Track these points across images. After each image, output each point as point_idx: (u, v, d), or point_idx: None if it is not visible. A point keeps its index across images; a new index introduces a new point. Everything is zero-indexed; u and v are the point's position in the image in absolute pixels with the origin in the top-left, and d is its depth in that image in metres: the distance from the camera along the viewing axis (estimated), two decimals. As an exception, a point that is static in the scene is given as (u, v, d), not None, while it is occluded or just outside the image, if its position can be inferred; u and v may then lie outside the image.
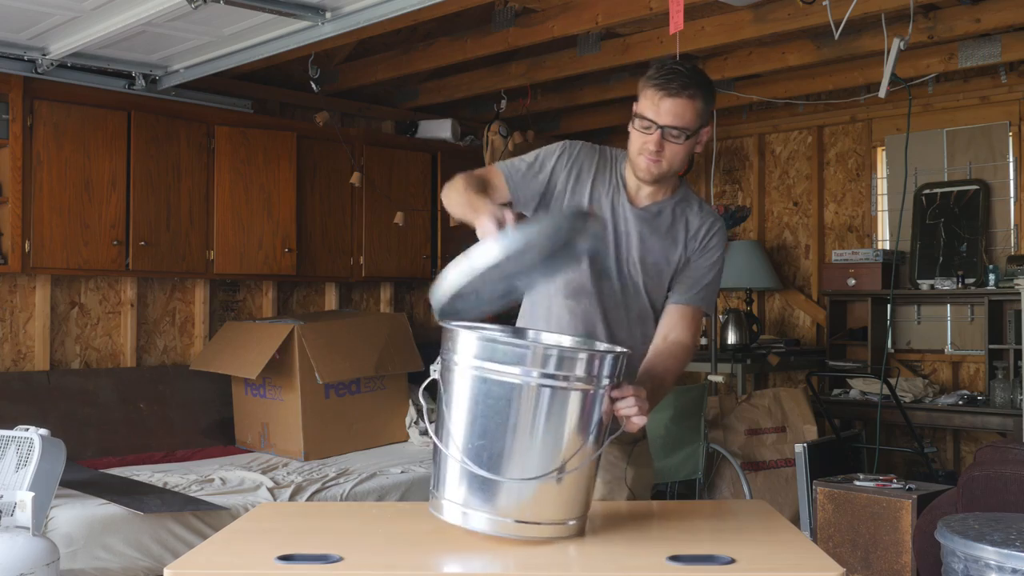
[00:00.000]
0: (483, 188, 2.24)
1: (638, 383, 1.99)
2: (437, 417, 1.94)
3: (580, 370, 1.84)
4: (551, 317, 2.35)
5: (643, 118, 2.20)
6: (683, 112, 2.17)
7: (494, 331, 2.05)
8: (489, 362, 1.83)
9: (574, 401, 1.84)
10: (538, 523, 1.85)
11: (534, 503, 1.84)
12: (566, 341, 2.13)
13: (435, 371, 1.96)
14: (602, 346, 2.15)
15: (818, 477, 4.37)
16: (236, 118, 5.33)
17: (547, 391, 1.82)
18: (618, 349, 1.94)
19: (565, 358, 1.83)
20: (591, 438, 1.88)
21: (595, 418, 1.87)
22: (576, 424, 1.85)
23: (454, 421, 1.87)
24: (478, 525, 1.84)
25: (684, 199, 2.35)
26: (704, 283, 2.33)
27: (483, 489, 1.83)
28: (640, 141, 2.22)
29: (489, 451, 1.83)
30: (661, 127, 2.17)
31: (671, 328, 2.30)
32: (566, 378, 1.82)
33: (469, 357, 1.85)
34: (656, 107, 2.17)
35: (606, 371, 1.87)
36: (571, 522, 1.89)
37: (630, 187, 2.32)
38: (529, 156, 2.36)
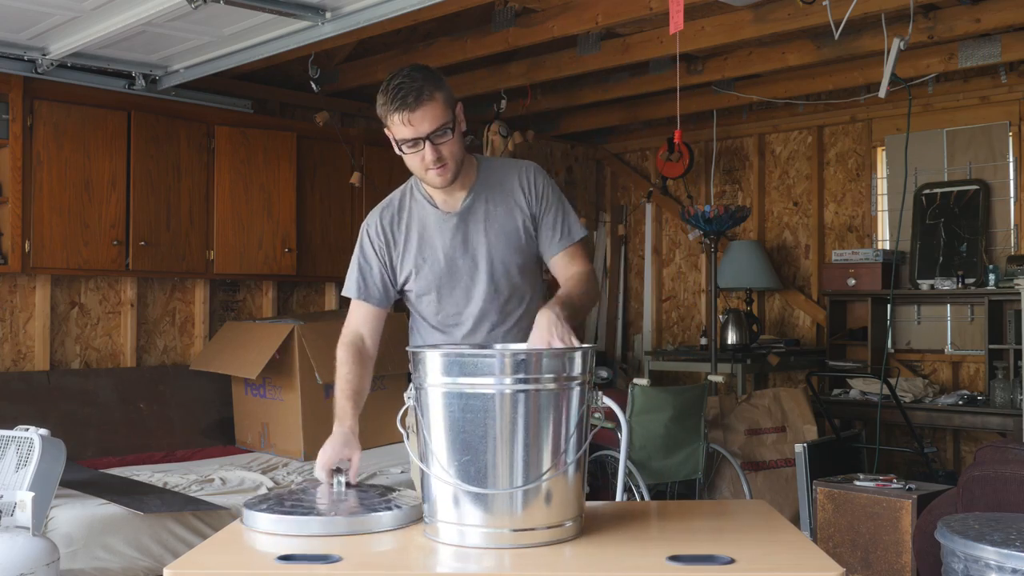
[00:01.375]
0: (349, 396, 2.51)
1: (551, 305, 2.13)
2: (419, 442, 1.95)
3: (552, 370, 1.86)
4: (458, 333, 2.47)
5: (406, 140, 2.26)
6: (433, 113, 2.23)
7: (460, 347, 2.10)
8: (461, 377, 1.85)
9: (551, 402, 1.85)
10: (534, 529, 1.85)
11: (528, 510, 1.84)
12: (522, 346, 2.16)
13: (409, 398, 1.98)
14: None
15: (818, 477, 4.37)
16: (236, 118, 5.33)
17: (522, 396, 1.83)
18: (585, 345, 1.96)
19: (535, 361, 1.85)
20: (574, 437, 1.88)
21: (575, 416, 1.88)
22: (557, 424, 1.86)
23: (436, 442, 1.88)
24: (475, 541, 1.84)
25: (487, 174, 2.43)
26: (560, 222, 2.43)
27: (475, 504, 1.84)
28: (417, 160, 2.29)
29: (475, 465, 1.83)
30: (426, 138, 2.23)
31: (564, 270, 2.42)
32: (537, 380, 1.84)
33: (441, 376, 1.87)
34: (409, 124, 2.22)
35: (577, 367, 1.89)
36: (568, 523, 1.89)
37: (439, 201, 2.42)
38: (355, 262, 2.52)
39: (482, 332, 2.44)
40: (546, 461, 1.84)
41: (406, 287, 2.47)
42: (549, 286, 2.49)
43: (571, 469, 1.88)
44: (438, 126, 2.23)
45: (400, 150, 2.29)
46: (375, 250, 2.47)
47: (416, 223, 2.44)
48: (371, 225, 2.49)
